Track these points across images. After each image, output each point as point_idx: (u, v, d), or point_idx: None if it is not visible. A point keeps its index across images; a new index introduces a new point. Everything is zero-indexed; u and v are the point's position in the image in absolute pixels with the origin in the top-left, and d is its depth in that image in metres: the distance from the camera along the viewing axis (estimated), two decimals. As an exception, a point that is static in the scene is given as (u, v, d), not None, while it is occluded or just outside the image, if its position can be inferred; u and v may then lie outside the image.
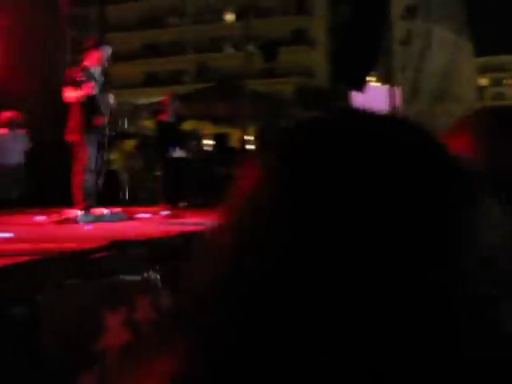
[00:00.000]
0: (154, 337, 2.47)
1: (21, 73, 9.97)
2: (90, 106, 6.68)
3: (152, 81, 40.73)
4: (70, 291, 3.08)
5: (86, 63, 6.93)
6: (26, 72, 10.10)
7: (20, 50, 10.28)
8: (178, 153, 9.53)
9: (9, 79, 9.81)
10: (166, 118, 9.61)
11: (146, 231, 5.22)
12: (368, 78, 9.81)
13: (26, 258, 3.20)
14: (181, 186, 9.79)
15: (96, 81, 6.71)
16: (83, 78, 6.59)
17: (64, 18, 12.09)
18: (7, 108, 9.98)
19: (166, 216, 7.70)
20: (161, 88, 38.58)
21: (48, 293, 2.92)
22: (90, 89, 6.54)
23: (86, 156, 6.63)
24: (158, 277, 3.83)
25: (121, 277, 3.51)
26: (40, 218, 6.81)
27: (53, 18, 11.52)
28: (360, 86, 8.46)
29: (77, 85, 6.60)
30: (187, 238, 4.60)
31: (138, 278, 3.65)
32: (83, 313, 3.10)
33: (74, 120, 6.68)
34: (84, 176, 6.60)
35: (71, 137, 6.70)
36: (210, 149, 13.50)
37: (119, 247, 3.58)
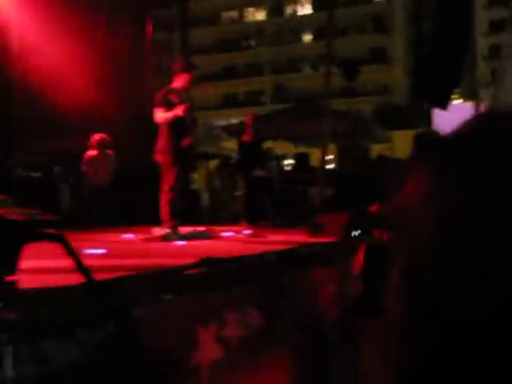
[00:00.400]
0: (243, 353, 2.53)
1: (109, 96, 10.37)
2: (178, 127, 6.87)
3: (230, 102, 41.47)
4: (164, 306, 3.17)
5: (174, 85, 7.13)
6: (113, 96, 10.48)
7: (108, 76, 10.69)
8: (259, 172, 9.63)
9: (98, 103, 10.21)
10: (248, 138, 9.76)
11: (232, 249, 5.31)
12: (452, 96, 9.64)
13: (122, 273, 3.29)
14: (262, 205, 9.88)
15: (185, 102, 6.88)
16: (175, 100, 6.78)
17: (148, 43, 12.51)
18: (96, 130, 10.37)
19: (249, 235, 7.79)
20: (239, 109, 39.30)
21: (144, 307, 3.02)
22: (182, 110, 6.71)
23: (173, 176, 6.80)
24: (247, 294, 3.89)
25: (211, 293, 3.59)
26: (128, 236, 7.04)
27: (138, 44, 11.94)
28: (444, 103, 8.31)
29: (168, 106, 6.81)
30: (274, 256, 4.65)
31: (227, 294, 3.72)
32: (177, 327, 3.19)
33: (163, 141, 6.88)
34: (170, 195, 6.77)
35: (159, 157, 6.89)
36: (290, 168, 13.58)
37: (210, 264, 3.66)
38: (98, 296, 1.49)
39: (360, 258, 3.41)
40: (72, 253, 1.49)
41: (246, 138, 9.82)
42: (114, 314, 1.49)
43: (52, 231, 1.56)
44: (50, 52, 10.68)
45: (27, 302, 2.07)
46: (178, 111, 6.72)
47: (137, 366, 1.41)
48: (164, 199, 6.80)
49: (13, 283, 1.59)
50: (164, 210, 6.78)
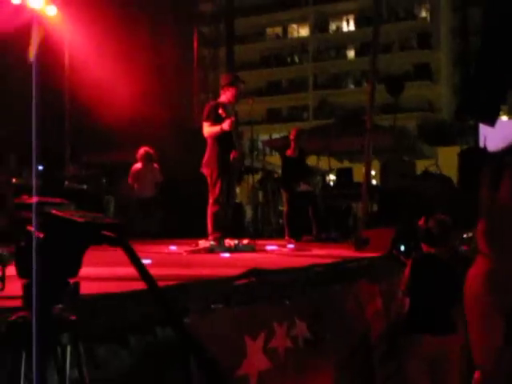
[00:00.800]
0: (290, 365, 2.52)
1: (156, 111, 10.53)
2: (225, 141, 6.92)
3: (273, 117, 41.63)
4: (213, 316, 3.19)
5: (221, 99, 7.20)
6: (160, 110, 10.65)
7: (156, 91, 10.86)
8: (303, 187, 9.63)
9: (145, 117, 10.37)
10: (291, 152, 9.77)
11: (277, 262, 5.30)
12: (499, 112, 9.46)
13: (168, 283, 3.30)
14: (305, 220, 9.86)
15: (232, 116, 6.94)
16: (222, 115, 6.84)
17: (195, 58, 12.67)
18: (143, 144, 10.54)
19: (293, 249, 7.77)
20: (281, 124, 39.44)
21: (194, 316, 3.04)
22: (228, 125, 6.76)
23: (219, 189, 6.84)
24: (294, 306, 3.89)
25: (259, 304, 3.60)
26: (174, 248, 7.10)
27: (185, 60, 12.11)
28: (492, 119, 8.17)
29: (215, 120, 6.87)
30: (321, 269, 4.64)
31: (275, 305, 3.72)
32: (225, 338, 3.20)
33: (209, 154, 6.93)
34: (216, 208, 6.81)
35: (206, 170, 6.95)
36: (333, 183, 13.53)
37: (258, 275, 3.67)
38: (161, 302, 1.51)
39: (407, 272, 3.39)
40: (134, 257, 1.51)
41: (289, 152, 9.83)
42: (177, 321, 1.51)
43: (115, 235, 1.59)
44: (100, 68, 10.91)
45: (86, 306, 2.11)
46: (225, 125, 6.76)
47: (202, 370, 1.42)
48: (210, 212, 6.84)
49: (75, 285, 1.62)
50: (209, 223, 6.82)
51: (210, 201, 6.86)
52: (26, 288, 1.62)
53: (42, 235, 1.61)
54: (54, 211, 1.62)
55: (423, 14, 41.94)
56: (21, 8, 10.74)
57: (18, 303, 1.74)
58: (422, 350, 4.81)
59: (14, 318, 1.60)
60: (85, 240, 1.63)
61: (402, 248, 6.11)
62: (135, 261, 1.58)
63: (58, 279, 1.65)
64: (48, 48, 10.94)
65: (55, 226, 1.60)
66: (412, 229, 6.97)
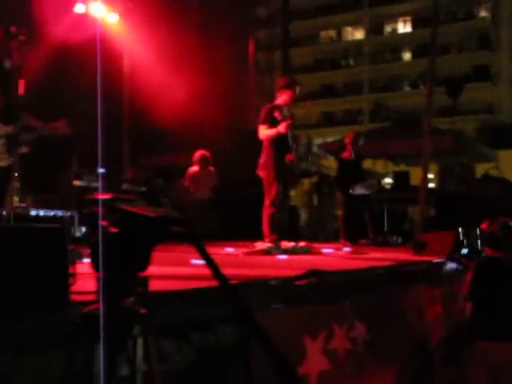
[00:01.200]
0: (349, 366, 2.52)
1: (212, 115, 10.63)
2: (282, 143, 6.92)
3: (328, 120, 41.43)
4: (274, 315, 3.21)
5: (278, 102, 7.19)
6: (217, 114, 10.74)
7: (213, 95, 10.96)
8: (360, 190, 9.54)
9: (202, 121, 10.49)
10: (348, 155, 9.69)
11: (334, 264, 5.28)
12: None
13: (233, 282, 3.33)
14: (362, 223, 9.77)
15: (288, 119, 6.93)
16: (278, 117, 6.84)
17: (251, 62, 12.75)
18: (199, 147, 10.65)
19: (349, 252, 7.72)
20: (336, 128, 39.21)
21: (255, 315, 3.06)
22: (284, 127, 6.76)
23: (275, 191, 6.84)
24: (354, 307, 3.88)
25: (319, 305, 3.60)
26: (230, 250, 7.13)
27: (241, 63, 12.20)
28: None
29: (271, 123, 6.89)
30: (380, 271, 4.60)
31: (334, 306, 3.71)
32: (286, 337, 3.21)
33: (266, 157, 6.94)
34: (272, 210, 6.81)
35: (262, 172, 6.96)
36: (389, 187, 13.36)
37: (318, 276, 3.67)
38: (232, 297, 1.54)
39: (469, 277, 3.32)
40: (204, 253, 1.55)
41: (346, 155, 9.76)
42: (248, 316, 1.54)
43: (184, 231, 1.63)
44: (158, 74, 11.08)
45: (153, 302, 2.16)
46: (281, 128, 6.76)
47: (272, 365, 1.44)
48: (266, 214, 6.85)
49: (145, 279, 1.67)
50: (265, 225, 6.83)
51: (266, 203, 6.86)
52: (100, 281, 1.67)
53: (115, 230, 1.67)
54: (127, 207, 1.67)
55: (483, 13, 41.01)
56: (84, 17, 11.03)
57: (88, 297, 1.79)
58: (485, 357, 4.70)
59: (88, 310, 1.65)
60: (156, 235, 1.67)
61: (465, 251, 6.01)
62: (204, 255, 1.61)
63: (130, 273, 1.70)
64: (108, 55, 11.18)
65: (129, 221, 1.65)
66: (473, 232, 6.85)
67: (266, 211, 6.85)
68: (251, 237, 7.34)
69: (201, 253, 1.63)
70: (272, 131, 6.82)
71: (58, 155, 5.91)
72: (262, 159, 6.98)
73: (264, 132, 6.92)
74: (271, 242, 6.72)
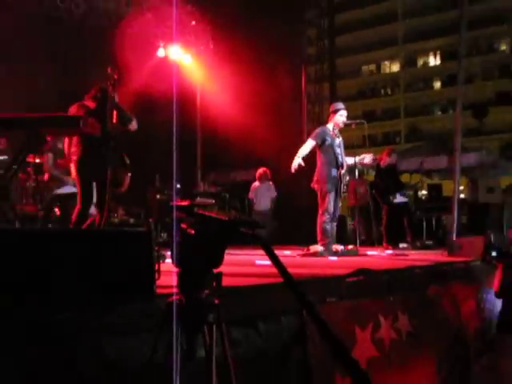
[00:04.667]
0: (394, 354, 2.39)
1: (272, 137, 10.62)
2: (333, 160, 6.86)
3: (370, 141, 40.99)
4: (328, 308, 3.14)
5: (329, 123, 7.16)
6: (275, 136, 10.73)
7: (272, 121, 10.98)
8: (400, 199, 9.34)
9: (263, 142, 10.49)
10: (385, 163, 9.46)
11: (380, 264, 5.15)
12: None
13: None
14: (401, 229, 9.54)
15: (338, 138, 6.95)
16: (331, 138, 6.90)
17: (303, 93, 12.73)
18: (260, 165, 10.68)
19: (392, 254, 7.54)
20: (377, 148, 38.76)
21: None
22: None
23: (327, 201, 6.77)
24: (398, 301, 3.76)
25: (367, 299, 3.50)
26: (288, 253, 7.08)
27: (296, 94, 12.23)
28: None
29: (322, 143, 6.88)
30: (420, 270, 4.47)
31: (381, 301, 3.61)
32: (339, 327, 3.13)
33: (320, 172, 6.89)
34: (324, 218, 6.74)
35: (316, 185, 6.90)
36: (425, 198, 13.06)
37: (365, 274, 3.58)
38: (296, 292, 1.48)
39: (499, 276, 3.17)
40: (271, 253, 1.49)
41: (383, 163, 9.54)
42: (311, 308, 1.48)
43: (252, 232, 1.58)
44: (225, 103, 11.18)
45: (228, 294, 2.13)
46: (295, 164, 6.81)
47: (334, 349, 1.38)
48: (319, 221, 6.78)
49: (219, 275, 1.63)
50: (319, 230, 6.75)
51: (320, 212, 6.80)
52: (180, 275, 1.65)
53: (193, 232, 1.64)
54: (202, 211, 1.65)
55: (503, 47, 40.06)
56: (164, 60, 11.28)
57: (171, 290, 1.77)
58: None
59: (171, 300, 1.63)
60: (227, 236, 1.64)
61: (494, 253, 5.77)
62: (270, 253, 1.57)
63: (205, 269, 1.67)
64: (184, 91, 11.39)
65: (204, 224, 1.62)
66: (501, 236, 6.60)
67: (320, 219, 6.79)
68: (306, 241, 7.28)
69: (267, 252, 1.58)
70: (301, 151, 6.80)
71: (144, 174, 6.02)
72: (316, 174, 6.93)
73: (304, 146, 6.91)
74: (323, 245, 6.65)
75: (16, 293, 1.94)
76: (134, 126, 5.40)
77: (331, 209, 6.79)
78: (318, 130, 7.15)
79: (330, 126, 7.10)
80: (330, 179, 6.79)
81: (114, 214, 8.54)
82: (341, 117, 7.06)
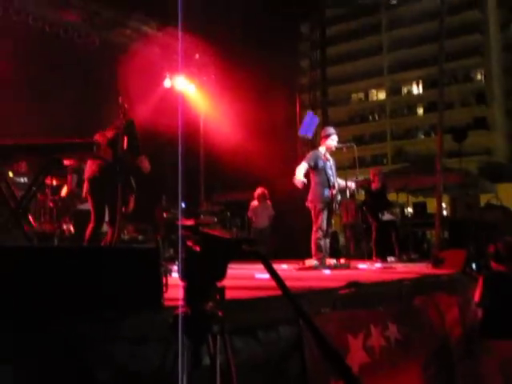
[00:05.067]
0: (383, 361, 2.37)
1: (269, 160, 10.64)
2: (325, 181, 6.86)
3: (359, 163, 41.01)
4: (323, 318, 3.12)
5: (321, 147, 7.18)
6: (272, 159, 10.76)
7: (269, 145, 11.00)
8: (388, 216, 9.34)
9: (261, 164, 10.51)
10: (376, 186, 9.51)
11: (370, 277, 5.13)
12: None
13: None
14: (389, 243, 9.53)
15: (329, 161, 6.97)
16: (323, 161, 6.91)
17: (297, 119, 12.78)
18: (258, 185, 10.67)
19: (381, 267, 7.51)
20: (365, 169, 38.79)
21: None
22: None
23: (320, 219, 6.76)
24: (387, 312, 3.73)
25: (359, 309, 3.48)
26: (285, 266, 7.05)
27: (290, 120, 12.30)
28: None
29: (315, 165, 6.90)
30: (407, 282, 4.45)
31: (371, 311, 3.58)
32: (332, 335, 3.11)
33: (312, 192, 6.90)
34: (318, 235, 6.72)
35: (310, 204, 6.90)
36: (410, 215, 13.04)
37: (357, 286, 3.56)
38: (293, 303, 1.48)
39: (479, 287, 3.16)
40: (270, 267, 1.49)
41: (374, 186, 9.58)
42: (307, 318, 1.48)
43: (253, 249, 1.58)
44: (226, 129, 11.23)
45: (230, 307, 2.12)
46: (297, 184, 6.79)
47: (328, 360, 1.37)
48: (313, 238, 6.76)
49: (222, 288, 1.62)
50: (313, 246, 6.73)
51: (314, 229, 6.78)
52: (186, 289, 1.64)
53: (198, 248, 1.64)
54: (206, 230, 1.65)
55: (478, 76, 40.46)
56: (170, 89, 11.36)
57: (177, 303, 1.76)
58: (494, 353, 4.48)
59: (177, 312, 1.62)
60: (230, 252, 1.64)
61: (474, 266, 5.75)
62: (270, 268, 1.57)
63: (210, 283, 1.66)
64: (189, 118, 11.45)
65: (208, 242, 1.62)
66: (481, 250, 6.58)
67: (314, 236, 6.77)
68: (301, 256, 7.25)
69: (267, 267, 1.58)
70: (297, 174, 6.78)
71: (152, 194, 6.02)
72: (310, 194, 6.93)
73: (298, 168, 6.89)
74: (318, 260, 6.62)
75: (33, 306, 1.93)
76: (145, 165, 5.38)
77: (324, 226, 6.78)
78: (310, 154, 7.17)
79: (322, 149, 7.12)
80: (322, 199, 6.79)
81: (124, 231, 8.52)
82: (332, 141, 7.09)
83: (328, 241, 6.98)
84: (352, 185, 7.17)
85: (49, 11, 9.51)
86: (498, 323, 4.52)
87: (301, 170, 6.93)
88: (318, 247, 6.67)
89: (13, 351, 1.70)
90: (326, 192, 6.82)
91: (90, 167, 5.31)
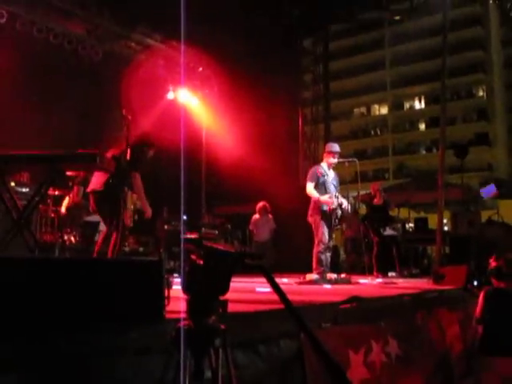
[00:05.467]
0: (384, 377, 2.37)
1: (271, 174, 10.69)
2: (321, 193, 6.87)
3: (361, 178, 40.99)
4: (324, 333, 3.11)
5: (323, 162, 7.21)
6: (274, 173, 10.80)
7: (271, 159, 11.05)
8: (389, 231, 9.34)
9: (263, 178, 10.54)
10: (378, 201, 9.53)
11: (371, 292, 5.13)
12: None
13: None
14: (390, 259, 9.52)
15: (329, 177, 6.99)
16: (321, 175, 6.90)
17: (300, 133, 12.87)
18: (259, 199, 10.68)
19: (381, 282, 7.50)
20: (367, 183, 38.78)
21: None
22: (328, 205, 6.83)
23: (321, 233, 6.77)
24: (388, 327, 3.73)
25: (360, 324, 3.48)
26: (285, 280, 7.03)
27: (293, 134, 12.35)
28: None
29: (317, 182, 6.92)
30: (408, 297, 4.44)
31: (372, 326, 3.58)
32: (333, 350, 3.10)
33: (313, 206, 6.91)
34: (320, 248, 6.73)
35: (311, 219, 6.91)
36: (411, 230, 13.03)
37: (358, 301, 3.56)
38: (295, 316, 1.49)
39: (480, 303, 3.16)
40: (272, 281, 1.51)
41: (376, 201, 9.61)
42: (308, 332, 1.49)
43: (256, 263, 1.60)
44: (227, 142, 11.28)
45: (233, 320, 2.13)
46: (323, 203, 6.77)
47: (330, 373, 1.39)
48: (315, 251, 6.76)
49: (225, 302, 1.64)
50: (315, 260, 6.73)
51: (316, 242, 6.79)
52: (189, 302, 1.66)
53: (201, 262, 1.66)
54: (210, 244, 1.66)
55: (480, 92, 40.63)
56: (173, 102, 11.43)
57: (179, 315, 1.77)
58: (494, 370, 4.46)
59: (180, 325, 1.63)
60: (233, 266, 1.65)
61: (475, 283, 5.75)
62: (273, 283, 1.58)
63: (213, 296, 1.67)
64: (191, 130, 11.51)
65: (212, 255, 1.64)
66: (482, 266, 6.56)
67: (316, 249, 6.77)
68: (302, 269, 7.24)
69: (269, 281, 1.59)
70: (315, 195, 6.79)
71: (153, 206, 6.06)
72: (310, 208, 6.94)
73: (309, 189, 6.91)
74: (318, 273, 6.61)
75: (34, 318, 1.95)
76: (137, 182, 5.43)
77: (326, 240, 6.78)
78: (311, 172, 7.12)
79: (323, 164, 7.14)
80: (322, 213, 6.80)
81: (125, 242, 8.53)
82: (334, 159, 7.08)
83: (329, 255, 6.98)
84: (348, 206, 7.12)
85: (53, 22, 9.60)
86: (498, 340, 4.50)
87: (311, 190, 6.92)
88: (319, 261, 6.68)
89: (15, 361, 1.71)
90: (326, 207, 6.83)
91: (93, 180, 5.36)
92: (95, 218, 7.13)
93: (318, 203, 6.87)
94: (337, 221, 7.07)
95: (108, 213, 5.27)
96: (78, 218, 7.68)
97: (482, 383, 4.66)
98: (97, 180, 5.35)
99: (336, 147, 7.31)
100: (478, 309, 4.82)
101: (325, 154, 7.24)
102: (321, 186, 6.92)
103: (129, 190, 5.56)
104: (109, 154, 5.18)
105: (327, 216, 6.87)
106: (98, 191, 5.29)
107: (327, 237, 6.87)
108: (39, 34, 9.51)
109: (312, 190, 6.88)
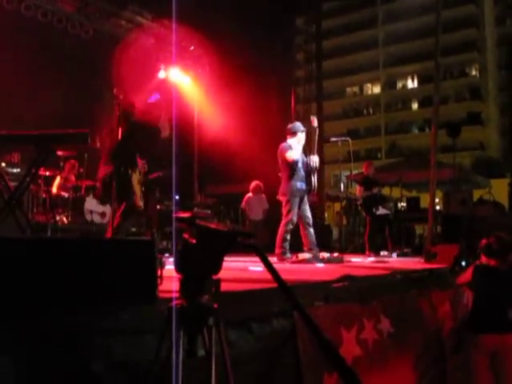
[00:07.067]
0: (377, 353, 2.40)
1: (262, 153, 10.65)
2: (296, 173, 6.70)
3: (353, 157, 41.08)
4: (316, 311, 3.14)
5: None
6: (266, 153, 10.75)
7: (263, 138, 11.01)
8: (381, 211, 9.38)
9: (255, 158, 10.53)
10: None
11: (363, 271, 5.15)
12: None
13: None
14: (382, 238, 9.58)
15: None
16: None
17: (292, 112, 12.80)
18: (253, 178, 10.68)
19: (373, 261, 7.54)
20: (360, 163, 38.83)
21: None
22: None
23: (292, 214, 6.62)
24: (380, 305, 3.76)
25: (352, 303, 3.50)
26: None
27: (285, 113, 12.30)
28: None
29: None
30: (400, 275, 4.48)
31: (364, 304, 3.61)
32: (326, 328, 3.13)
33: (283, 184, 6.78)
34: (287, 228, 6.63)
35: (281, 197, 6.79)
36: (403, 209, 13.09)
37: (350, 280, 3.58)
38: (288, 295, 1.50)
39: (468, 273, 3.18)
40: (265, 260, 1.51)
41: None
42: (301, 309, 1.50)
43: (248, 242, 1.59)
44: (220, 121, 11.23)
45: (225, 299, 2.13)
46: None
47: (322, 350, 1.39)
48: (281, 231, 6.64)
49: (217, 281, 1.64)
50: (279, 239, 6.58)
51: (283, 222, 6.65)
52: (182, 281, 1.65)
53: (194, 241, 1.65)
54: (203, 223, 1.65)
55: (473, 72, 40.54)
56: (165, 81, 11.31)
57: (172, 295, 1.77)
58: (482, 346, 4.54)
59: (173, 304, 1.63)
60: (226, 245, 1.64)
61: (464, 263, 5.78)
62: (265, 261, 1.58)
63: (205, 275, 1.67)
64: (183, 110, 11.42)
65: (204, 234, 1.63)
66: (472, 246, 6.60)
67: (281, 229, 6.64)
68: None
69: (262, 260, 1.59)
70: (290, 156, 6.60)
71: (145, 186, 6.03)
72: (281, 187, 6.78)
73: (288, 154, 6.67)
74: (311, 253, 6.59)
75: (29, 297, 1.94)
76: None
77: (295, 220, 6.63)
78: (284, 147, 6.82)
79: (293, 141, 6.83)
80: (294, 191, 6.64)
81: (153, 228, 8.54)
82: (302, 134, 6.83)
83: (312, 231, 6.79)
84: (315, 159, 6.78)
85: None
86: (486, 317, 4.57)
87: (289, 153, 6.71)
88: (284, 241, 6.58)
89: (5, 343, 1.70)
90: (299, 185, 6.68)
91: (101, 168, 5.45)
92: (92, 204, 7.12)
93: (289, 182, 6.64)
94: (315, 185, 6.77)
95: (117, 199, 5.27)
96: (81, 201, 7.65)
97: (471, 359, 4.73)
98: (103, 169, 5.40)
99: (301, 127, 6.98)
100: (464, 277, 4.87)
101: (292, 135, 6.93)
102: (292, 163, 6.64)
103: (133, 173, 5.54)
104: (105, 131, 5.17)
105: (301, 194, 6.65)
106: (105, 179, 5.33)
107: (304, 211, 6.70)
108: (27, 11, 9.34)
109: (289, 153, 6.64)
